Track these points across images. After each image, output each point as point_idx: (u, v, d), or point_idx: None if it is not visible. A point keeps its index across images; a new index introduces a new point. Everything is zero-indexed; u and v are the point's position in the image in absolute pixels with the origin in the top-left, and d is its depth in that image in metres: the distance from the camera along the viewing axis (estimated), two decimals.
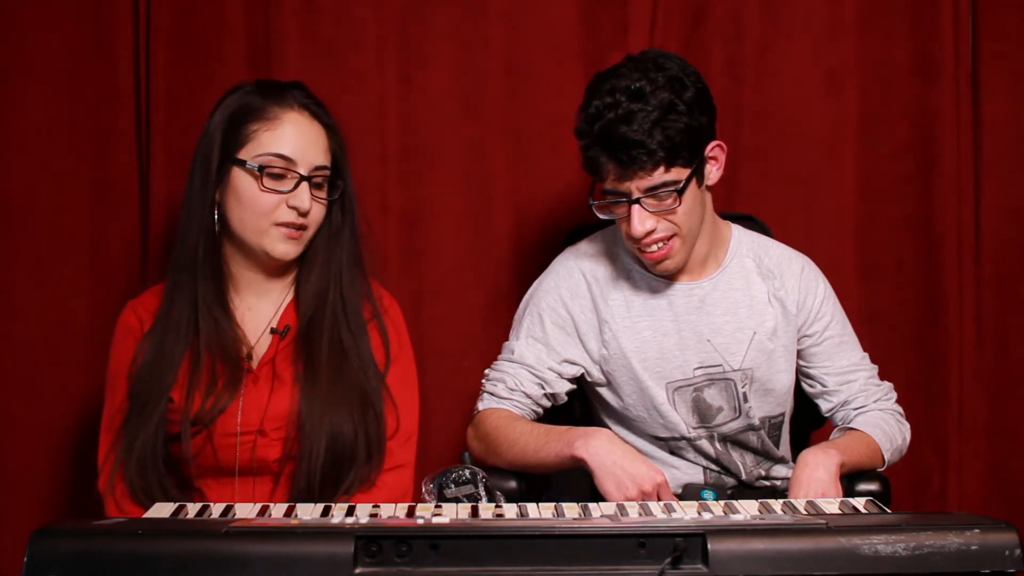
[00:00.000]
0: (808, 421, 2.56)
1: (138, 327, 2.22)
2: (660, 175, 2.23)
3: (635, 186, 2.24)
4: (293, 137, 2.18)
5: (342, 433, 2.17)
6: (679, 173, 2.25)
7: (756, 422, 2.42)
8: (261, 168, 2.16)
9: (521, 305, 2.48)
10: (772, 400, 2.43)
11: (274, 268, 2.26)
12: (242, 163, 2.17)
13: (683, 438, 2.40)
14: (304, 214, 2.18)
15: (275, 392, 2.19)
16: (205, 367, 2.17)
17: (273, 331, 2.24)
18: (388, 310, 2.32)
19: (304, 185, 2.18)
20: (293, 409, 2.18)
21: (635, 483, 2.13)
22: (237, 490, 2.17)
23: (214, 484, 2.18)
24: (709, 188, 2.36)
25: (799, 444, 2.49)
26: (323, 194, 2.22)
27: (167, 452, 2.16)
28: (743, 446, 2.43)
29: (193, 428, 2.14)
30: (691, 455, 2.42)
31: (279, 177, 2.17)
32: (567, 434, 2.25)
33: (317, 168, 2.20)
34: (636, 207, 2.25)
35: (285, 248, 2.20)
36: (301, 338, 2.23)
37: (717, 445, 2.42)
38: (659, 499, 2.13)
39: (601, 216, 2.32)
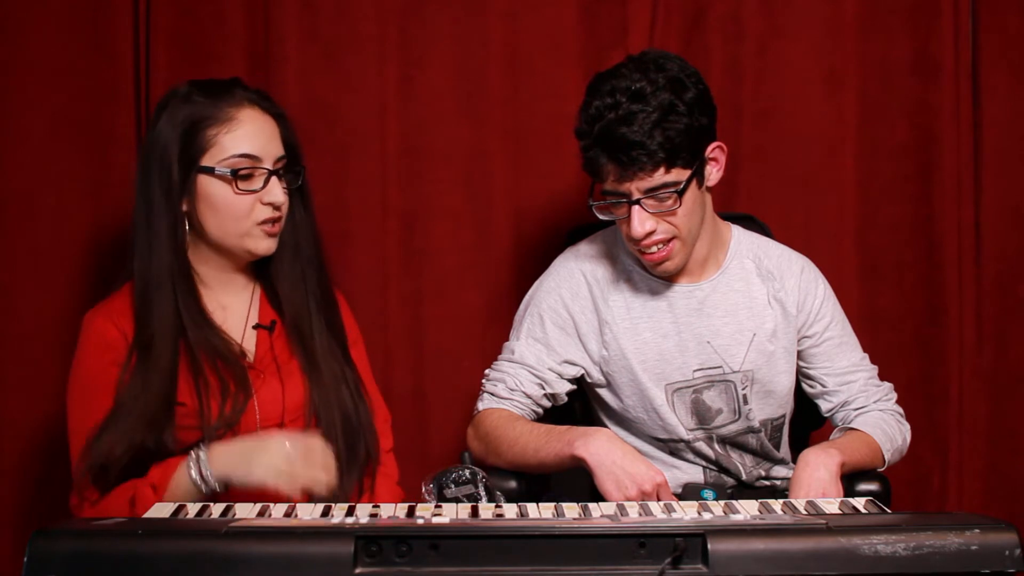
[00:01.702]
0: (808, 421, 2.56)
1: (121, 339, 2.16)
2: (660, 176, 2.23)
3: (635, 187, 2.24)
4: (253, 134, 2.17)
5: (348, 412, 2.22)
6: (679, 174, 2.25)
7: (756, 424, 2.41)
8: (234, 172, 2.14)
9: (522, 305, 2.48)
10: (773, 402, 2.43)
11: (244, 266, 2.26)
12: (210, 170, 2.14)
13: (681, 440, 2.40)
14: (279, 207, 2.19)
15: (287, 385, 2.21)
16: (209, 372, 2.15)
17: (258, 327, 2.24)
18: (341, 300, 2.36)
19: (274, 179, 2.18)
20: (307, 399, 2.21)
21: (635, 483, 2.13)
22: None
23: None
24: (709, 189, 2.36)
25: (799, 444, 2.49)
26: (285, 183, 2.21)
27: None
28: (742, 448, 2.43)
29: (218, 433, 2.13)
30: (690, 456, 2.42)
31: (248, 177, 2.16)
32: (567, 434, 2.25)
33: (278, 159, 2.20)
34: (636, 208, 2.25)
35: (268, 244, 2.20)
36: (292, 329, 2.24)
37: (716, 447, 2.42)
38: (659, 499, 2.13)
39: (601, 217, 2.32)
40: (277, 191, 2.18)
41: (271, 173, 2.17)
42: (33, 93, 2.71)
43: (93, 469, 2.09)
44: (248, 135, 2.16)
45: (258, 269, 2.28)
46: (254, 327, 2.25)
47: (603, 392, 2.44)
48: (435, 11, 2.82)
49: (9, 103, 2.70)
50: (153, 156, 2.17)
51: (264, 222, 2.18)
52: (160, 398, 2.12)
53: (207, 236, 2.19)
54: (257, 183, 2.16)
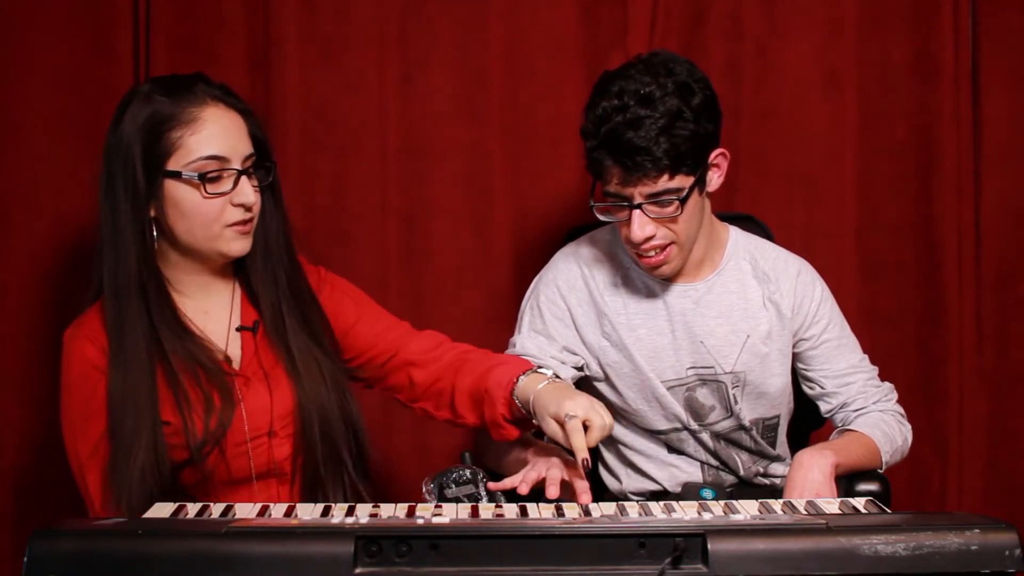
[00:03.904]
0: (809, 422, 2.56)
1: (102, 358, 2.09)
2: (664, 182, 2.22)
3: (638, 192, 2.23)
4: (219, 134, 2.08)
5: (326, 414, 2.15)
6: (683, 181, 2.24)
7: (747, 423, 2.42)
8: (202, 175, 2.06)
9: (523, 301, 2.48)
10: (766, 403, 2.43)
11: (221, 267, 2.19)
12: (176, 175, 2.06)
13: (684, 428, 2.40)
14: (250, 208, 2.11)
15: (275, 392, 2.16)
16: (190, 387, 2.09)
17: (242, 328, 2.18)
18: (325, 280, 2.28)
19: (243, 179, 2.09)
20: (296, 403, 2.16)
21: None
22: (256, 496, 2.14)
23: (224, 497, 2.12)
24: (709, 194, 2.35)
25: (800, 445, 2.49)
26: (255, 181, 2.14)
27: (173, 479, 2.08)
28: (737, 444, 2.43)
29: (205, 450, 2.08)
30: (691, 448, 2.42)
31: (217, 179, 2.08)
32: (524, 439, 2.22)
33: (247, 158, 2.12)
34: (637, 212, 2.24)
35: (241, 245, 2.13)
36: (272, 329, 2.18)
37: (713, 442, 2.42)
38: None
39: (601, 218, 2.31)
40: (247, 191, 2.10)
41: (240, 173, 2.09)
42: (33, 93, 2.71)
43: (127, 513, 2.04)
44: (214, 135, 2.08)
45: (235, 269, 2.21)
46: (237, 329, 2.19)
47: (601, 387, 2.44)
48: (435, 11, 2.82)
49: (9, 102, 2.70)
50: (116, 160, 2.07)
51: (235, 224, 2.10)
52: (147, 414, 2.05)
53: (177, 241, 2.12)
54: (226, 185, 2.08)
